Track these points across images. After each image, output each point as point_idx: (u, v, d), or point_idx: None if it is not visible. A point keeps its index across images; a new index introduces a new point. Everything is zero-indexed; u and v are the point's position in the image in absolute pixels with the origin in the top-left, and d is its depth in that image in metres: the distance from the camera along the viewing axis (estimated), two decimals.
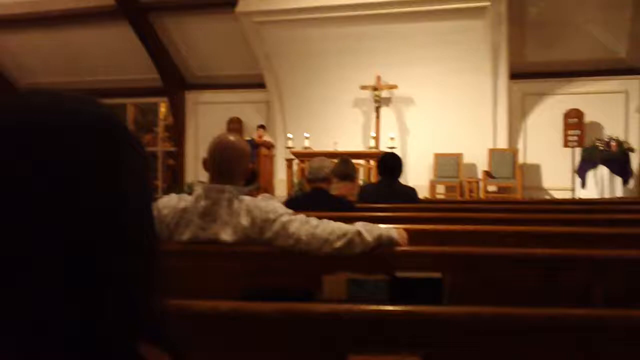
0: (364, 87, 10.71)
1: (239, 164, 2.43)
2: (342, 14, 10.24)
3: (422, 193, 9.79)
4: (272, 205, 2.34)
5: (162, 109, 13.56)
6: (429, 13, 9.93)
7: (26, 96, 0.60)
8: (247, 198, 2.36)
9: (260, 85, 11.66)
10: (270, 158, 10.45)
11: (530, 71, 10.64)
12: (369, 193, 4.94)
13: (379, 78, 10.67)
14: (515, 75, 10.56)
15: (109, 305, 0.55)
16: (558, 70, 10.52)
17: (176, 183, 12.34)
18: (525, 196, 10.19)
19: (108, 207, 0.55)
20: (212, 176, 2.41)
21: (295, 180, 9.72)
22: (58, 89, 0.63)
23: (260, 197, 2.39)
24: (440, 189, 10.86)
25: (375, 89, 10.69)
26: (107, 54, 12.44)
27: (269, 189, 10.07)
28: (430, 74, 10.49)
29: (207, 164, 2.44)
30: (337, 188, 5.31)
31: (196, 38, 11.79)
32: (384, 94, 10.78)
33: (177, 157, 12.84)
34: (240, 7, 10.64)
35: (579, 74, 10.46)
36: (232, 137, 2.49)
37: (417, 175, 10.55)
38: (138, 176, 0.61)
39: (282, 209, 2.34)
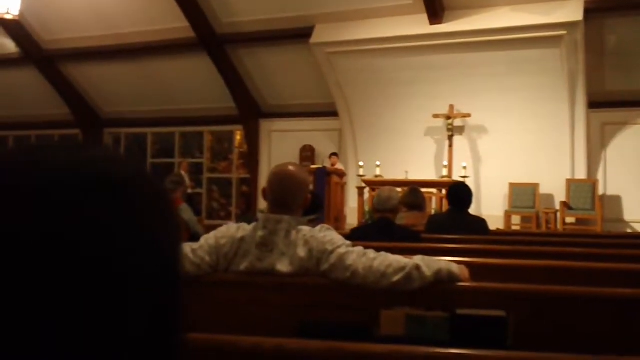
0: (436, 116, 10.58)
1: (297, 195, 2.39)
2: (413, 44, 10.21)
3: (497, 224, 9.53)
4: (330, 236, 2.28)
5: (238, 136, 13.84)
6: (503, 42, 9.75)
7: (39, 152, 0.59)
8: (305, 229, 2.32)
9: (333, 113, 11.73)
10: (342, 186, 10.43)
11: (610, 100, 10.22)
12: (437, 223, 4.82)
13: (452, 107, 10.52)
14: (594, 104, 10.18)
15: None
16: (638, 99, 10.05)
17: (249, 210, 12.51)
18: (605, 229, 9.70)
19: (104, 262, 0.53)
20: (271, 206, 2.39)
21: (366, 208, 9.64)
22: (76, 143, 0.61)
23: (319, 227, 2.34)
24: (516, 220, 10.51)
25: (448, 117, 10.54)
26: (187, 84, 12.86)
27: (340, 218, 10.03)
28: (504, 103, 10.26)
29: (266, 194, 2.42)
30: (405, 217, 5.23)
31: (270, 68, 12.02)
32: (457, 122, 10.61)
33: (251, 184, 13.04)
34: (314, 39, 10.79)
35: None
36: (291, 167, 2.45)
37: (491, 206, 10.29)
38: (150, 228, 0.58)
39: (341, 240, 2.28)
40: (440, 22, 10.05)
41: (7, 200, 0.52)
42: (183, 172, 12.43)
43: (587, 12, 9.31)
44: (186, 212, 6.06)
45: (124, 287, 0.54)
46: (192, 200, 12.25)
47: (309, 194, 2.48)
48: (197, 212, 12.24)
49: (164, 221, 0.60)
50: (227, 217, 13.42)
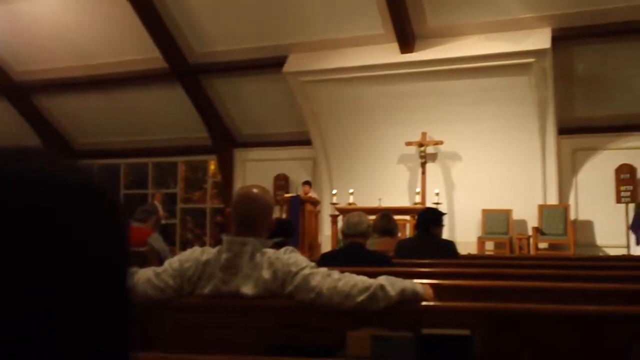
0: (409, 143, 10.66)
1: (262, 217, 2.40)
2: (386, 72, 10.32)
3: (470, 250, 9.57)
4: (294, 257, 2.28)
5: (212, 166, 13.81)
6: (474, 70, 9.91)
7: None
8: (269, 251, 2.31)
9: (307, 142, 11.78)
10: (316, 214, 10.43)
11: (580, 126, 10.41)
12: (406, 248, 4.84)
13: (424, 134, 10.62)
14: (564, 130, 10.36)
15: None
16: (608, 125, 10.26)
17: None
18: (578, 253, 9.80)
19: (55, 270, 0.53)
20: (236, 228, 2.38)
21: (340, 236, 9.64)
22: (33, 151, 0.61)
23: (283, 250, 2.33)
24: (489, 246, 10.57)
25: (421, 145, 10.63)
26: (160, 114, 12.85)
27: (314, 245, 10.01)
28: (477, 130, 10.39)
29: (231, 216, 2.42)
30: (377, 243, 5.22)
31: (245, 97, 12.06)
32: (430, 149, 10.70)
33: (225, 214, 12.97)
34: (288, 67, 10.87)
35: (629, 129, 10.18)
36: (255, 190, 2.46)
37: (464, 232, 10.35)
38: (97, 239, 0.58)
39: (305, 261, 2.28)
40: (411, 51, 10.19)
41: None
42: (157, 203, 12.34)
43: (555, 40, 9.52)
44: (157, 241, 6.00)
45: (73, 296, 0.53)
46: (166, 231, 12.16)
47: (272, 216, 2.48)
48: (171, 243, 12.13)
49: (112, 228, 0.60)
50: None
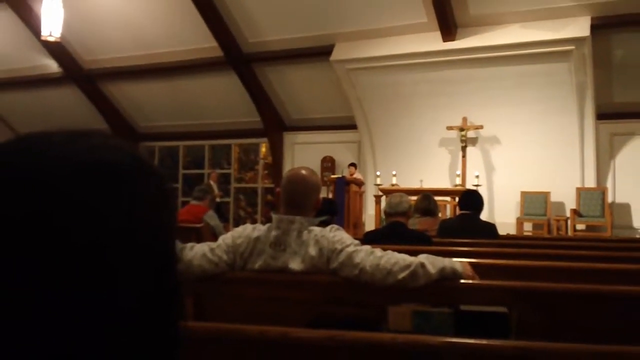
0: (450, 128, 10.52)
1: (309, 197, 2.39)
2: (429, 60, 10.18)
3: (509, 230, 9.41)
4: (339, 235, 2.27)
5: (263, 148, 13.91)
6: (514, 57, 9.67)
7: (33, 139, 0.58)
8: (316, 229, 2.31)
9: (352, 126, 11.73)
10: (360, 195, 10.40)
11: (618, 111, 10.06)
12: (447, 228, 4.77)
13: (465, 119, 10.46)
14: (602, 115, 10.03)
15: (118, 342, 0.52)
16: None
17: None
18: (615, 235, 9.52)
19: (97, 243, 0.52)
20: (284, 207, 2.39)
21: (383, 216, 9.61)
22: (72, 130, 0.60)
23: (329, 228, 2.33)
24: (528, 227, 10.37)
25: (461, 129, 10.48)
26: (216, 100, 12.99)
27: (358, 224, 10.00)
28: (516, 115, 10.16)
29: (280, 196, 2.42)
30: (418, 223, 5.19)
31: (294, 84, 12.08)
32: (470, 134, 10.54)
33: (275, 193, 13.08)
34: (335, 56, 10.81)
35: None
36: (303, 171, 2.46)
37: (503, 213, 10.19)
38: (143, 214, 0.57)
39: (349, 239, 2.27)
40: (453, 39, 10.00)
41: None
42: (212, 182, 12.53)
43: (594, 28, 9.20)
44: (212, 218, 6.10)
45: (114, 273, 0.53)
46: (220, 209, 12.32)
47: (320, 196, 2.47)
48: (225, 220, 12.30)
49: (158, 208, 0.59)
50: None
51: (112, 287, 0.52)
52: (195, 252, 2.29)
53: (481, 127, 10.38)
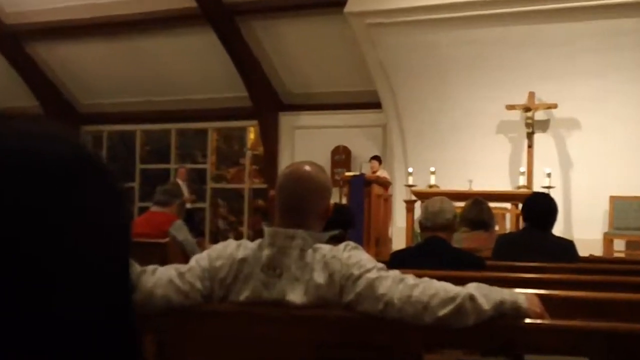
0: (511, 107, 10.51)
1: (315, 203, 2.39)
2: (478, 12, 10.18)
3: (593, 250, 9.36)
4: (356, 256, 2.28)
5: (251, 135, 13.94)
6: (596, 9, 9.65)
7: None
8: (324, 247, 2.32)
9: (374, 104, 11.77)
10: (386, 199, 10.40)
11: None
12: (507, 246, 4.77)
13: (532, 95, 10.45)
14: None
15: None
16: None
17: None
18: None
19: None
20: (281, 217, 2.39)
21: (417, 229, 9.62)
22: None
23: (342, 246, 2.34)
24: (619, 245, 10.34)
25: (527, 109, 10.47)
26: (186, 69, 13.03)
27: (383, 241, 10.01)
28: (602, 89, 10.14)
29: (275, 201, 2.43)
30: (466, 239, 5.19)
31: (294, 47, 12.09)
32: (539, 115, 10.53)
33: (269, 196, 13.10)
34: (350, 7, 10.84)
35: None
36: (307, 167, 2.45)
37: (585, 226, 10.17)
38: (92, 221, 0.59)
39: (371, 262, 2.28)
40: None
41: None
42: (180, 181, 12.56)
43: None
44: (181, 231, 6.12)
45: (48, 294, 0.55)
46: (192, 218, 12.36)
47: (330, 201, 2.49)
48: (199, 233, 12.33)
49: (107, 215, 0.61)
50: (237, 240, 13.50)
51: (46, 310, 0.54)
52: (159, 277, 2.31)
53: (554, 105, 10.37)
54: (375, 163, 11.35)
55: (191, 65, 12.93)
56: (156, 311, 2.25)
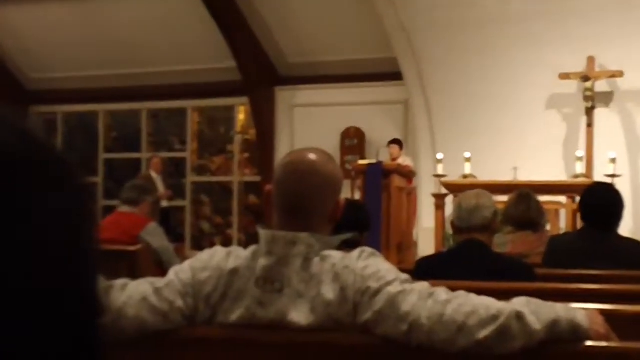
0: (565, 76, 10.52)
1: (321, 200, 2.40)
2: None
3: None
4: (375, 266, 2.28)
5: (241, 115, 13.96)
6: None
7: None
8: (334, 255, 2.32)
9: (393, 75, 11.80)
10: (410, 193, 10.41)
11: None
12: (562, 250, 4.78)
13: (591, 60, 10.45)
14: None
15: None
16: None
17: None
18: None
19: None
20: (280, 218, 2.40)
21: (449, 230, 9.63)
22: None
23: (357, 252, 2.34)
24: None
25: (585, 78, 10.47)
26: (157, 34, 13.05)
27: (406, 244, 10.02)
28: None
29: (273, 198, 2.43)
30: (511, 241, 5.20)
31: (292, 4, 12.08)
32: (601, 86, 10.54)
33: (263, 193, 13.12)
34: None
35: None
36: (312, 156, 2.45)
37: None
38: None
39: (392, 272, 2.27)
40: None
41: None
42: (154, 174, 12.58)
43: None
44: (155, 235, 6.15)
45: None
46: (168, 218, 12.38)
47: (340, 198, 2.49)
48: (177, 238, 12.37)
49: (65, 217, 0.61)
50: (226, 246, 13.54)
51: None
52: (130, 295, 2.31)
53: (620, 74, 10.41)
54: (395, 148, 11.34)
55: (165, 30, 12.95)
56: (126, 336, 2.26)
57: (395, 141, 11.51)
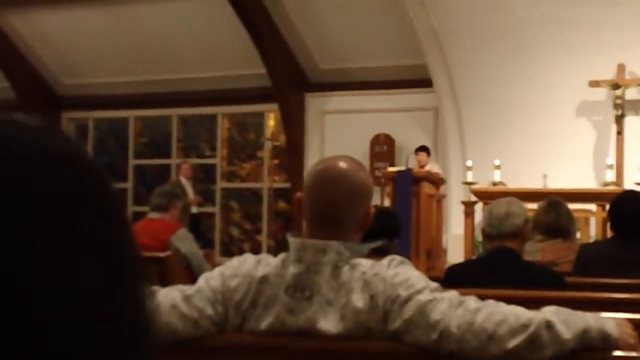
0: (595, 84, 10.46)
1: (352, 208, 2.39)
2: None
3: None
4: (404, 274, 2.27)
5: (271, 121, 13.96)
6: None
7: None
8: (364, 263, 2.32)
9: (424, 82, 11.78)
10: (439, 200, 10.38)
11: None
12: (592, 258, 4.75)
13: (621, 67, 10.39)
14: None
15: None
16: None
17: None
18: None
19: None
20: (310, 226, 2.40)
21: (479, 238, 9.59)
22: None
23: (386, 261, 2.34)
24: None
25: (615, 85, 10.41)
26: (188, 40, 13.09)
27: (435, 252, 9.99)
28: None
29: (303, 206, 2.43)
30: (541, 249, 5.17)
31: (323, 11, 12.09)
32: (631, 93, 10.47)
33: (293, 200, 13.12)
34: None
35: None
36: (343, 164, 2.45)
37: None
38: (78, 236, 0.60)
39: (422, 280, 2.27)
40: None
41: None
42: (183, 180, 12.61)
43: None
44: (185, 242, 6.14)
45: (29, 306, 0.56)
46: (198, 224, 12.40)
47: (372, 206, 2.49)
48: (207, 244, 12.39)
49: (96, 216, 0.61)
50: (255, 252, 13.55)
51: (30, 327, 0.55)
52: (160, 302, 2.32)
53: None
54: (422, 155, 11.31)
55: (196, 36, 12.99)
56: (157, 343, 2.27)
57: (423, 148, 11.48)
